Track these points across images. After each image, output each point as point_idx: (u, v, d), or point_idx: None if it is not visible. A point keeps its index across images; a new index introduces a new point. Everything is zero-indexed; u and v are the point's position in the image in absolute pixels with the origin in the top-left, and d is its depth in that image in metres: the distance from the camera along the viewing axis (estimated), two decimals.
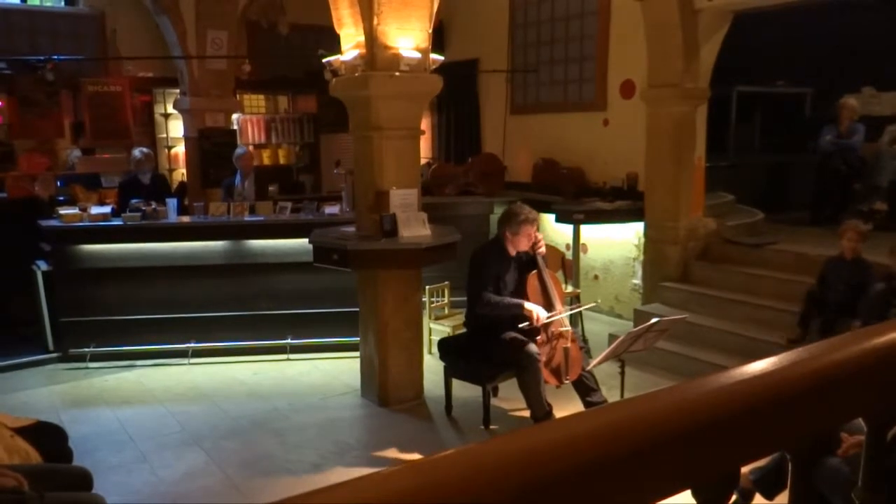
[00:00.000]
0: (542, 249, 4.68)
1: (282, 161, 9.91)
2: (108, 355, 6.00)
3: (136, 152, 6.99)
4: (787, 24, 8.12)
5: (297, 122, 9.89)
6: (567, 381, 4.53)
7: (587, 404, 4.54)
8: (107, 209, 6.32)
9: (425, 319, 5.92)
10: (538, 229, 4.72)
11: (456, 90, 8.68)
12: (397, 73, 4.69)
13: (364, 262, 4.91)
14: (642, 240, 6.89)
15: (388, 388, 5.09)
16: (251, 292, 6.12)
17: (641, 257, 6.97)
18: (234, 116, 9.24)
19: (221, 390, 5.45)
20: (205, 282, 6.08)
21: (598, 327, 6.70)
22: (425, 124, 8.68)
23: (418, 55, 4.75)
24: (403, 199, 4.90)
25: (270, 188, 7.94)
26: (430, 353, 5.91)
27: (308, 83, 9.34)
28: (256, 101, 9.74)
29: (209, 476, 4.11)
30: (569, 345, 4.50)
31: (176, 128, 9.19)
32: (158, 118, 9.24)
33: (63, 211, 6.07)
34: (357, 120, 5.04)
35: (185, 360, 6.01)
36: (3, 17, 8.18)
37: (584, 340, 5.50)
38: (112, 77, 8.62)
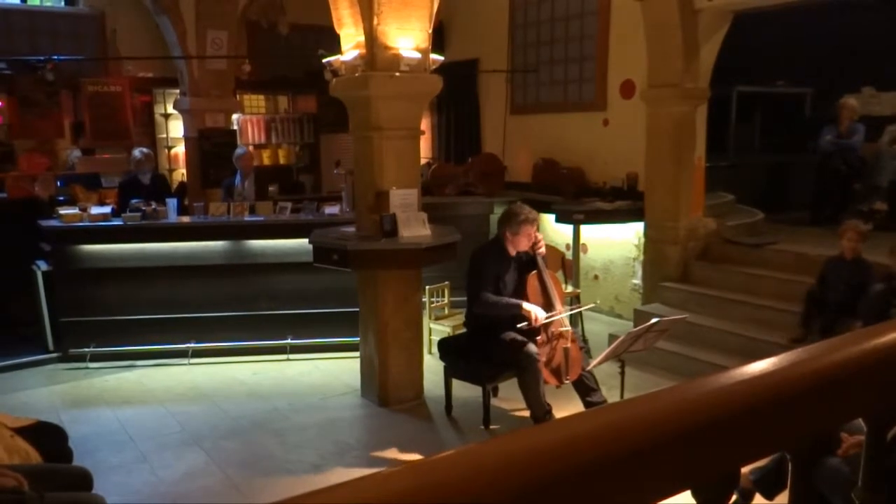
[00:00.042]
0: (542, 249, 4.68)
1: (282, 161, 9.91)
2: (109, 355, 6.00)
3: (136, 152, 6.99)
4: (787, 24, 8.11)
5: (297, 122, 9.89)
6: (567, 382, 4.53)
7: (587, 404, 4.54)
8: (107, 209, 6.32)
9: (425, 319, 5.92)
10: (538, 229, 4.72)
11: (456, 90, 8.68)
12: (397, 74, 4.69)
13: (364, 262, 4.91)
14: (642, 240, 6.89)
15: (388, 388, 5.09)
16: (251, 292, 6.12)
17: (641, 257, 6.97)
18: (234, 116, 9.24)
19: (221, 390, 5.45)
20: (205, 282, 6.08)
21: (598, 327, 6.70)
22: (425, 124, 8.69)
23: (418, 55, 4.75)
24: (403, 200, 4.90)
25: (270, 188, 7.93)
26: (430, 353, 5.91)
27: (308, 83, 9.34)
28: (256, 101, 9.74)
29: (209, 476, 4.11)
30: (569, 345, 4.50)
31: (176, 128, 9.19)
32: (158, 118, 9.24)
33: (63, 211, 6.07)
34: (357, 120, 5.04)
35: (186, 361, 6.01)
36: (3, 17, 8.19)
37: (584, 340, 5.49)
38: (112, 77, 8.62)
